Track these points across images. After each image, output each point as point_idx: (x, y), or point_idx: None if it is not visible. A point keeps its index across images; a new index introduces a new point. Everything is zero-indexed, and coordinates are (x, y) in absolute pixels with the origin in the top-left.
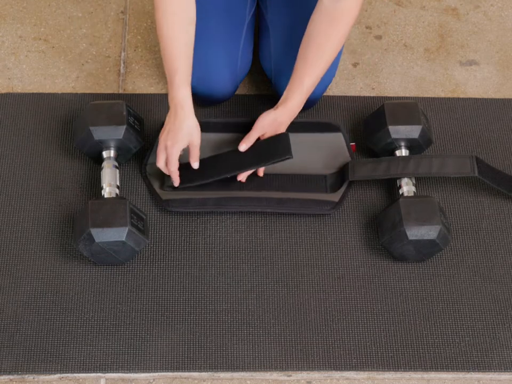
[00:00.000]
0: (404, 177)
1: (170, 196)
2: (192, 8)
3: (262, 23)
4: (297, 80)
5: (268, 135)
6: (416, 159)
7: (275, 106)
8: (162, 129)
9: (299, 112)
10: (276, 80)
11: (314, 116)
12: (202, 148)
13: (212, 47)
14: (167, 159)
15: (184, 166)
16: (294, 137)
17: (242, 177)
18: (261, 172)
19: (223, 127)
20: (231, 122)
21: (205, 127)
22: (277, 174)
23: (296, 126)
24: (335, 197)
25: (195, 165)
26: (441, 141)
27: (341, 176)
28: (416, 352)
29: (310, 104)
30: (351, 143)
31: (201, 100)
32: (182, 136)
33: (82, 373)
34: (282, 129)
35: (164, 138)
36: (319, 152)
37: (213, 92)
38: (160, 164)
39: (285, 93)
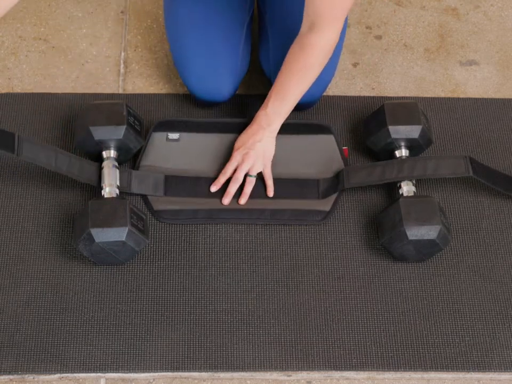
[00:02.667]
0: (400, 180)
1: (161, 207)
2: None
3: (261, 23)
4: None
5: (244, 162)
6: (410, 162)
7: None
8: None
9: (297, 112)
10: (274, 78)
11: (314, 116)
12: (187, 149)
13: (212, 48)
14: None
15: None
16: (284, 139)
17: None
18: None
19: (214, 127)
20: (217, 122)
21: (194, 127)
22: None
23: (286, 127)
24: (326, 205)
25: None
26: (441, 141)
27: (334, 182)
28: (416, 352)
29: (309, 104)
30: (344, 147)
31: (201, 101)
32: None
33: (82, 373)
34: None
35: None
36: (311, 155)
37: (214, 93)
38: None
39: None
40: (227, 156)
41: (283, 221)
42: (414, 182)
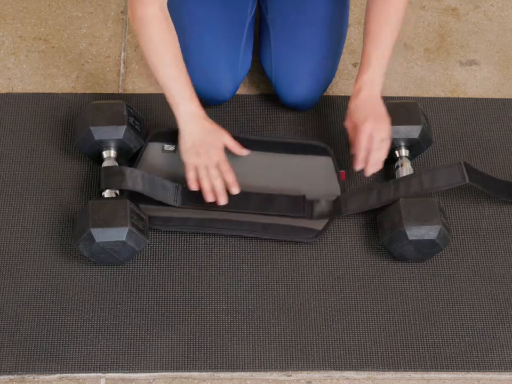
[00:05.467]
0: (397, 200)
1: (152, 213)
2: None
3: (263, 23)
4: (370, 50)
5: (370, 120)
6: (406, 180)
7: (356, 89)
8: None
9: (297, 113)
10: (275, 80)
11: (314, 116)
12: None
13: (213, 48)
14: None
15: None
16: (281, 158)
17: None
18: None
19: None
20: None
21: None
22: (263, 193)
23: (284, 146)
24: (319, 225)
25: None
26: (441, 141)
27: (330, 208)
28: (416, 352)
29: (309, 105)
30: (341, 171)
31: (202, 100)
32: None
33: (82, 373)
34: (377, 103)
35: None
36: (306, 176)
37: (215, 92)
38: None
39: (361, 65)
40: None
41: (274, 235)
42: None
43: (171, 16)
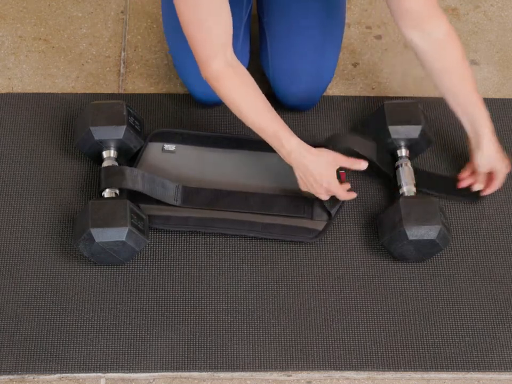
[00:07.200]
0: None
1: (152, 212)
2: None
3: (260, 26)
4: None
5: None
6: None
7: (481, 145)
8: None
9: (297, 113)
10: (273, 83)
11: (314, 116)
12: (183, 161)
13: None
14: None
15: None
16: (281, 159)
17: None
18: None
19: (211, 141)
20: (214, 137)
21: (191, 139)
22: (263, 194)
23: None
24: (319, 225)
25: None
26: (441, 141)
27: (329, 208)
28: (416, 352)
29: (309, 105)
30: (341, 171)
31: (201, 102)
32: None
33: (82, 373)
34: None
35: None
36: None
37: (214, 94)
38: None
39: (474, 129)
40: (221, 171)
41: (274, 235)
42: (415, 182)
43: (167, 19)
